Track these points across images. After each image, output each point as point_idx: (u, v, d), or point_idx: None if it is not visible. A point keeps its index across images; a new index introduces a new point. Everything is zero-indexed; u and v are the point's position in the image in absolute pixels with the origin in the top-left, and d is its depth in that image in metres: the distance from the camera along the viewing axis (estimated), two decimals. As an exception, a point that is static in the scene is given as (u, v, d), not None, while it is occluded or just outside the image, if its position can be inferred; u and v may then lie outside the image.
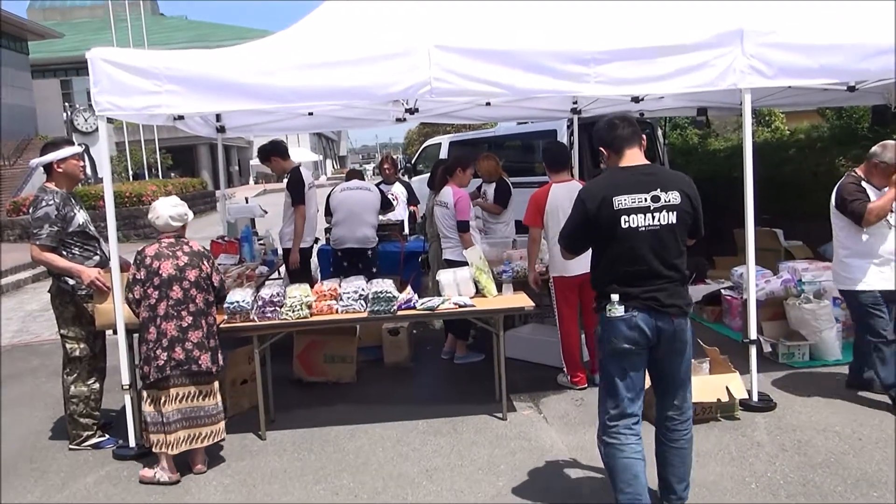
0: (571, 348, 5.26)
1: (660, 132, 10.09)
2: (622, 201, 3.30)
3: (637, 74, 4.48)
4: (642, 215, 3.31)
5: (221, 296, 4.30)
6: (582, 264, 4.33)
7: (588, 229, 3.36)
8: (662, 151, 9.87)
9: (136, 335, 4.34)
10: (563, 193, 5.12)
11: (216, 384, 4.17)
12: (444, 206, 5.83)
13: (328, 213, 6.87)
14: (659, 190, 3.34)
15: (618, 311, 3.29)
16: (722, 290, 7.05)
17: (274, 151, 6.69)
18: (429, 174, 14.07)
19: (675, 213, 3.32)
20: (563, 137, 9.02)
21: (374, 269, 6.63)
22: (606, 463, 3.29)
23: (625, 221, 3.30)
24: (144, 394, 4.11)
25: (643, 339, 3.29)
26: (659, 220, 3.31)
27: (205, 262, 4.15)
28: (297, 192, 6.46)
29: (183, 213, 4.18)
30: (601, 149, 3.52)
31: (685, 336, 3.36)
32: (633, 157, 3.41)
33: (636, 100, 7.00)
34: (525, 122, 10.92)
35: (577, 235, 3.44)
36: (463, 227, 5.68)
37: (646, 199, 3.32)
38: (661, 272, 3.31)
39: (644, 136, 3.47)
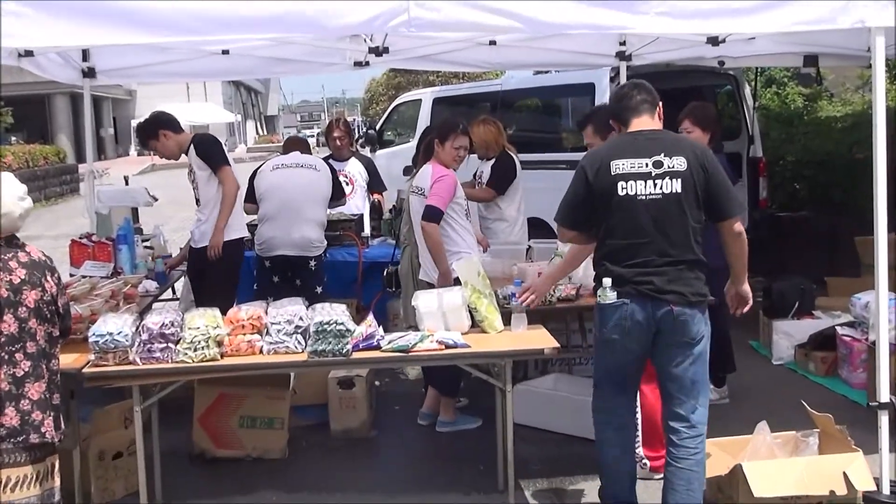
0: (651, 411, 5.15)
1: (747, 90, 10.18)
2: (620, 166, 4.08)
3: (716, 4, 4.54)
4: (642, 182, 4.08)
5: (66, 327, 4.24)
6: None
7: (586, 199, 4.13)
8: (751, 118, 9.97)
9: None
10: None
11: (56, 460, 4.11)
12: (420, 194, 5.86)
13: (251, 200, 6.91)
14: (662, 154, 4.10)
15: (609, 297, 4.11)
16: (837, 329, 7.10)
17: (161, 124, 6.64)
18: (398, 147, 14.11)
19: (679, 180, 4.07)
20: (602, 95, 9.07)
21: (319, 289, 6.66)
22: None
23: (622, 188, 4.08)
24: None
25: (636, 329, 4.13)
26: (661, 189, 4.07)
27: (48, 278, 4.05)
28: (215, 153, 6.53)
29: (29, 206, 4.13)
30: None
31: (690, 330, 4.12)
32: (641, 125, 4.23)
33: (714, 42, 7.09)
34: (545, 72, 10.97)
35: (575, 206, 4.24)
36: (430, 214, 5.65)
37: (647, 165, 4.09)
38: (661, 250, 4.08)
39: (659, 105, 4.19)
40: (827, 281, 8.59)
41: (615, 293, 4.10)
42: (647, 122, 4.26)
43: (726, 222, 4.20)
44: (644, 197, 4.08)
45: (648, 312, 4.10)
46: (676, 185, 4.07)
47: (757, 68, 11.14)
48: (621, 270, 4.13)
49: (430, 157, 5.98)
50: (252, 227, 7.15)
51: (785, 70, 15.18)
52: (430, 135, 6.19)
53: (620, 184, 4.10)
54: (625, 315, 4.12)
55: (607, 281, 4.14)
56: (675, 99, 9.55)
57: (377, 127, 14.22)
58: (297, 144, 7.40)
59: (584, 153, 4.56)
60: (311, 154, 7.28)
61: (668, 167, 4.09)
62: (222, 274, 6.55)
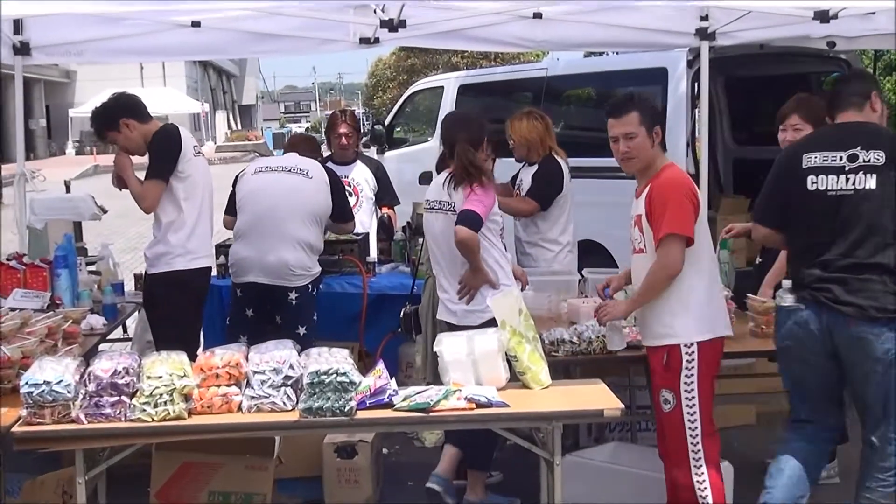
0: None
1: (863, 78, 10.16)
2: (812, 159, 4.88)
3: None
4: (834, 176, 4.78)
5: None
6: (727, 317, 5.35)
7: (779, 194, 5.01)
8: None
9: None
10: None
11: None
12: (441, 210, 5.92)
13: (231, 213, 6.98)
14: (859, 147, 4.78)
15: (786, 300, 4.90)
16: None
17: (123, 110, 6.59)
18: (413, 147, 14.11)
19: (874, 176, 4.71)
20: (677, 84, 9.08)
21: (302, 330, 6.68)
22: None
23: (812, 183, 4.85)
24: None
25: (810, 340, 4.84)
26: (853, 184, 4.75)
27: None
28: (158, 154, 6.44)
29: None
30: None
31: (874, 350, 4.67)
32: (846, 118, 4.98)
33: (823, 17, 7.12)
34: (601, 53, 10.99)
35: (769, 201, 5.14)
36: (469, 220, 5.68)
37: (841, 158, 4.81)
38: (845, 252, 4.72)
39: (871, 96, 4.85)
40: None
41: (793, 296, 4.92)
42: (852, 115, 5.00)
43: None
44: (834, 192, 4.81)
45: (823, 324, 4.82)
46: (871, 181, 4.74)
47: (875, 51, 11.14)
48: (802, 272, 4.90)
49: (446, 164, 6.02)
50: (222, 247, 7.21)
51: (911, 54, 15.21)
52: (458, 133, 6.17)
53: (811, 178, 4.88)
54: (799, 321, 4.90)
55: (787, 283, 5.00)
56: (771, 89, 9.67)
57: (386, 122, 14.24)
58: (299, 145, 7.35)
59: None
60: (316, 159, 7.24)
61: (864, 161, 4.76)
62: (182, 310, 6.54)
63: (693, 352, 5.04)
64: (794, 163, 4.93)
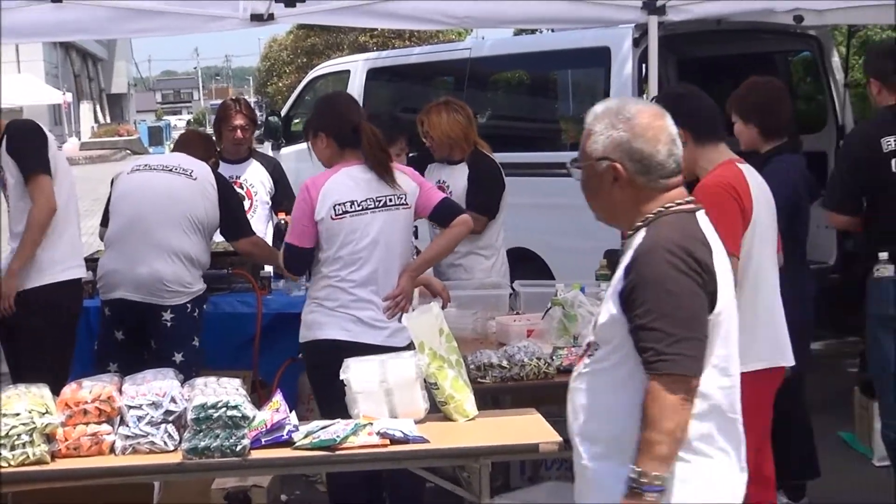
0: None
1: (835, 58, 10.32)
2: (891, 142, 6.06)
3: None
4: None
5: None
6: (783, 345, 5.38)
7: (859, 179, 6.17)
8: (841, 100, 10.07)
9: None
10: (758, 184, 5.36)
11: None
12: (385, 208, 5.96)
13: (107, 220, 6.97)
14: None
15: (888, 270, 6.01)
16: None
17: None
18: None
19: None
20: (621, 66, 9.18)
21: (179, 357, 6.61)
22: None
23: (895, 165, 6.06)
24: None
25: None
26: None
27: None
28: (31, 151, 6.48)
29: None
30: (873, 80, 6.39)
31: None
32: None
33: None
34: (534, 31, 11.07)
35: (852, 188, 6.24)
36: (459, 206, 6.02)
37: None
38: None
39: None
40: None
41: (892, 267, 6.05)
42: None
43: None
44: None
45: None
46: None
47: (850, 27, 11.28)
48: None
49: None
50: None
51: (890, 30, 15.41)
52: (352, 114, 6.23)
53: (894, 161, 6.09)
54: None
55: (884, 255, 6.08)
56: (729, 71, 9.80)
57: (283, 112, 14.23)
58: (190, 144, 7.34)
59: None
60: (210, 162, 7.19)
61: None
62: (47, 334, 6.51)
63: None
64: (874, 148, 6.14)
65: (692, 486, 3.40)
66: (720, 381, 3.49)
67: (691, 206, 3.58)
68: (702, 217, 3.61)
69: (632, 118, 3.51)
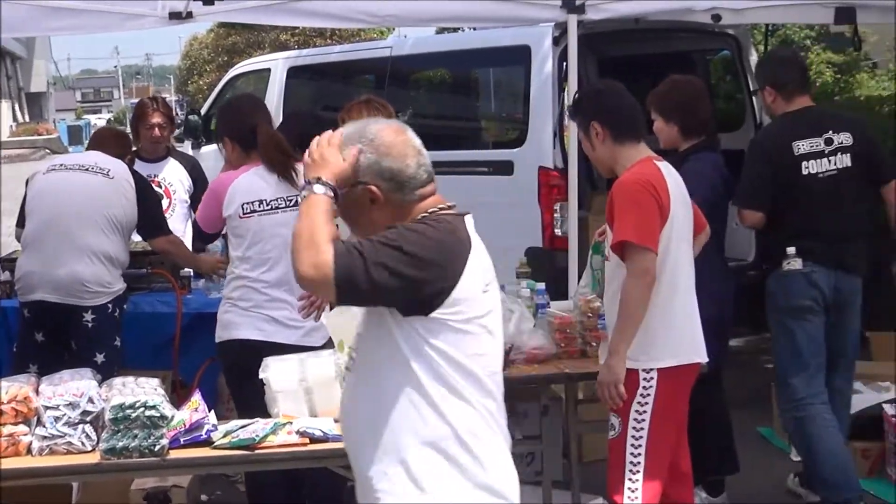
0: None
1: (754, 57, 10.41)
2: (801, 146, 6.35)
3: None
4: (819, 161, 6.33)
5: None
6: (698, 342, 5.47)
7: (770, 179, 6.36)
8: (759, 98, 10.16)
9: None
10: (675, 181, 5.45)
11: None
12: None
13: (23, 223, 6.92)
14: (831, 132, 6.39)
15: (797, 263, 6.31)
16: (885, 408, 7.24)
17: None
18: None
19: (848, 155, 6.37)
20: (542, 64, 9.21)
21: (100, 357, 6.60)
22: (802, 442, 6.57)
23: (805, 168, 6.33)
24: None
25: (821, 298, 6.35)
26: (836, 165, 6.37)
27: None
28: None
29: None
30: (769, 88, 6.58)
31: (859, 299, 6.54)
32: (803, 102, 6.53)
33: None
34: (456, 29, 11.08)
35: (762, 187, 6.42)
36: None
37: (820, 143, 6.36)
38: (844, 224, 6.38)
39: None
40: (869, 337, 8.62)
41: (800, 260, 6.32)
42: (807, 100, 6.65)
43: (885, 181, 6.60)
44: (822, 175, 6.36)
45: (831, 283, 6.37)
46: (846, 160, 6.39)
47: (767, 26, 11.37)
48: (811, 244, 6.32)
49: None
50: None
51: (808, 29, 15.55)
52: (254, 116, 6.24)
53: (804, 164, 6.36)
54: (812, 280, 6.34)
55: (791, 249, 6.33)
56: (649, 70, 9.87)
57: (202, 111, 14.16)
58: (105, 141, 7.29)
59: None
60: (126, 159, 7.16)
61: (839, 143, 6.38)
62: None
63: (651, 378, 5.18)
64: (784, 151, 6.38)
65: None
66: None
67: (455, 210, 3.66)
68: (469, 221, 3.71)
69: (374, 138, 3.54)
